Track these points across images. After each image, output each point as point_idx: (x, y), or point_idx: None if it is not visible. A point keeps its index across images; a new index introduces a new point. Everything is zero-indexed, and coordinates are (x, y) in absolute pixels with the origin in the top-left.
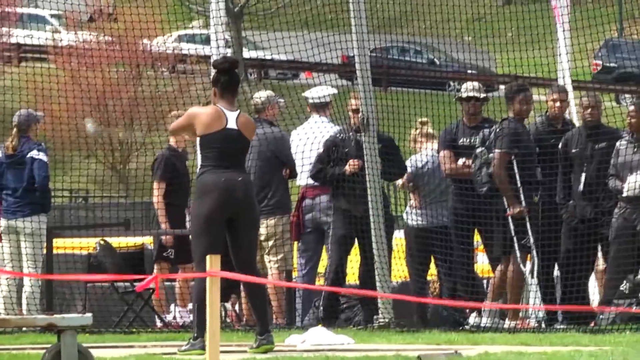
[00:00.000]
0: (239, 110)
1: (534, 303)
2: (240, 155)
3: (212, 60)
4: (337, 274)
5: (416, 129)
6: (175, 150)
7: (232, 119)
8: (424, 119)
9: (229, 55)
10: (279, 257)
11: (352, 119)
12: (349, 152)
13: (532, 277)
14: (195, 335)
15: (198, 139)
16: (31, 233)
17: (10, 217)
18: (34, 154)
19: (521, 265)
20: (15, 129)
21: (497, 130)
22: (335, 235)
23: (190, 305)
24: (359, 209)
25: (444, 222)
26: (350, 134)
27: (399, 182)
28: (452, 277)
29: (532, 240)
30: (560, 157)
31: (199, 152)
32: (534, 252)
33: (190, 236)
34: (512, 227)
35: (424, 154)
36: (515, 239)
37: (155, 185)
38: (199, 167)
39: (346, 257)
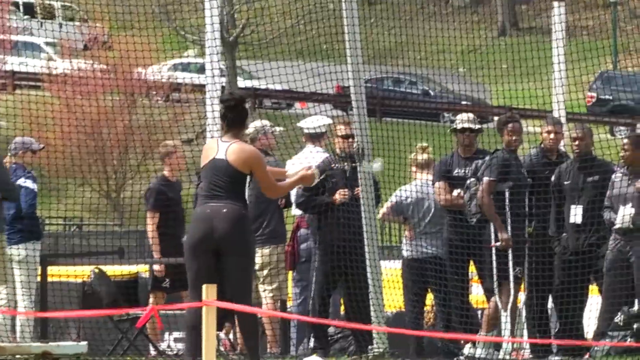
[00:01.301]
0: (232, 142)
1: (506, 336)
2: (228, 185)
3: (220, 95)
4: (323, 306)
5: (414, 153)
6: (168, 180)
7: (222, 150)
8: (424, 145)
9: (236, 91)
10: (274, 286)
11: (337, 145)
12: (337, 181)
13: (505, 310)
14: None
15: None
16: (24, 261)
17: (7, 244)
18: (21, 181)
19: (497, 298)
20: (9, 156)
21: (487, 160)
22: (319, 269)
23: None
24: (344, 239)
25: (436, 252)
26: (338, 163)
27: (379, 213)
28: (447, 307)
29: (511, 272)
30: (553, 190)
31: None
32: (511, 285)
33: None
34: (494, 258)
35: (411, 184)
36: (500, 270)
37: (149, 214)
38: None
39: (331, 289)
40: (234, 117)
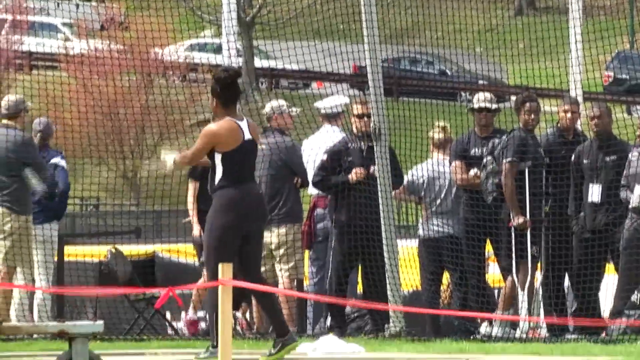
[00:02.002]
0: (245, 119)
1: (522, 315)
2: (254, 164)
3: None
4: (340, 286)
5: (432, 132)
6: None
7: (246, 130)
8: (443, 124)
9: (230, 65)
10: (290, 265)
11: (354, 124)
12: (353, 160)
13: (522, 289)
14: (215, 343)
15: (219, 155)
16: (43, 240)
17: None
18: (57, 161)
19: (514, 277)
20: (39, 136)
21: (504, 140)
22: (336, 248)
23: (200, 312)
24: (361, 219)
25: (452, 232)
26: (354, 142)
27: (395, 194)
28: (463, 286)
29: (529, 251)
30: (572, 169)
31: (219, 166)
32: (529, 264)
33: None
34: (513, 237)
35: (426, 163)
36: (517, 249)
37: (190, 185)
38: (217, 180)
39: (348, 269)
40: (234, 92)
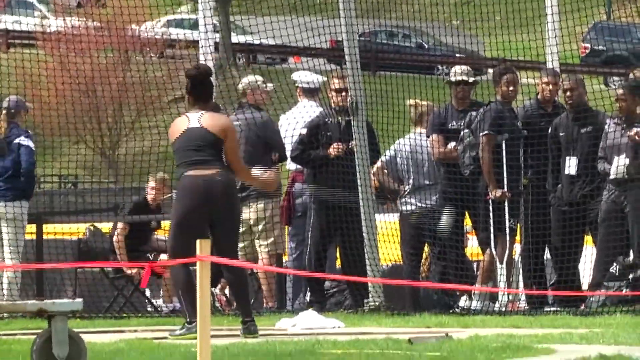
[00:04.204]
0: (202, 112)
1: (504, 287)
2: (208, 149)
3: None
4: (318, 261)
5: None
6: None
7: (194, 120)
8: (412, 101)
9: (202, 63)
10: (269, 241)
11: (332, 99)
12: (332, 134)
13: (500, 262)
14: (189, 320)
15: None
16: (13, 218)
17: None
18: (21, 140)
19: (492, 250)
20: (3, 114)
21: (481, 113)
22: (315, 223)
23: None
24: (339, 194)
25: (432, 205)
26: (333, 117)
27: (373, 172)
28: (442, 260)
29: (507, 223)
30: (549, 142)
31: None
32: (507, 237)
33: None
34: (491, 210)
35: (404, 138)
36: (495, 222)
37: (120, 225)
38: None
39: (327, 244)
40: (201, 91)
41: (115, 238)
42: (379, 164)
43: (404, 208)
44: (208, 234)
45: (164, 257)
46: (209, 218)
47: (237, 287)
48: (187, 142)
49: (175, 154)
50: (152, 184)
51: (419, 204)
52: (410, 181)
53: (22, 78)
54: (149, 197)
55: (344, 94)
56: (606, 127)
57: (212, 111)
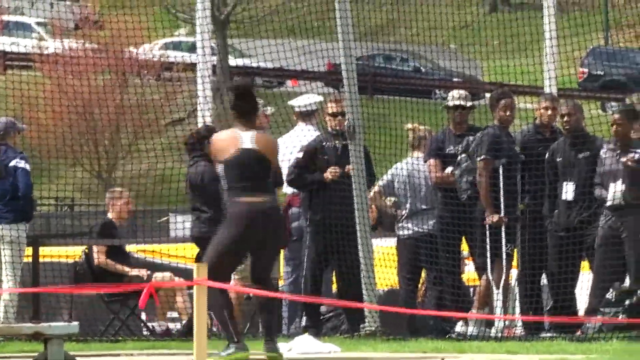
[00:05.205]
0: (254, 130)
1: (500, 313)
2: (263, 174)
3: (231, 84)
4: (315, 285)
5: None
6: (113, 225)
7: (246, 139)
8: (410, 125)
9: (241, 79)
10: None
11: (328, 123)
12: (329, 159)
13: (497, 287)
14: (236, 340)
15: (220, 166)
16: (10, 241)
17: None
18: (17, 162)
19: (489, 275)
20: None
21: (478, 137)
22: (311, 247)
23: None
24: (336, 217)
25: (429, 230)
26: (330, 141)
27: (370, 197)
28: (439, 285)
29: (504, 249)
30: (547, 167)
31: (222, 177)
32: (504, 262)
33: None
34: (487, 235)
35: (402, 163)
36: (491, 247)
37: (97, 248)
38: (224, 191)
39: (323, 268)
40: (247, 105)
41: (97, 262)
42: (376, 188)
43: (401, 233)
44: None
45: (158, 275)
46: (256, 243)
47: (265, 309)
48: (242, 165)
49: (225, 173)
50: (115, 201)
51: (415, 229)
52: (408, 205)
53: (20, 100)
54: (113, 214)
55: (339, 117)
56: (601, 152)
57: (257, 129)
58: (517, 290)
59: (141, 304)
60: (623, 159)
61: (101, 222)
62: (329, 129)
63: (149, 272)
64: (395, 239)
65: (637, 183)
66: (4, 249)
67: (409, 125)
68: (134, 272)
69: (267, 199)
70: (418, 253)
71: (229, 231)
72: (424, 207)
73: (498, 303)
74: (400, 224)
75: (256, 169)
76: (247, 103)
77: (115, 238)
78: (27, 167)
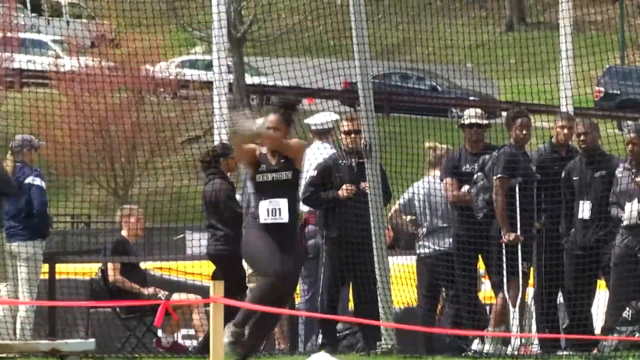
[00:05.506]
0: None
1: (516, 331)
2: None
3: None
4: (331, 302)
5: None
6: (127, 241)
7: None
8: (431, 144)
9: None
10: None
11: (343, 141)
12: (343, 176)
13: (513, 306)
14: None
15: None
16: (27, 258)
17: (8, 241)
18: (31, 180)
19: (505, 293)
20: (9, 154)
21: (494, 156)
22: (327, 265)
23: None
24: (352, 235)
25: (447, 249)
26: (345, 159)
27: (389, 214)
28: (455, 303)
29: (520, 267)
30: (563, 186)
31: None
32: (520, 280)
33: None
34: (504, 254)
35: (422, 181)
36: (508, 265)
37: (110, 265)
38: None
39: (339, 286)
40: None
41: (112, 279)
42: (395, 207)
43: (420, 251)
44: None
45: (175, 296)
46: None
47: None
48: None
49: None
50: (127, 218)
51: (434, 247)
52: (426, 224)
53: (36, 117)
54: (125, 232)
55: (353, 135)
56: (616, 172)
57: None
58: (533, 308)
59: (157, 321)
60: (638, 179)
61: (114, 239)
62: (344, 147)
63: (166, 293)
64: (412, 256)
65: None
66: (20, 265)
67: (429, 144)
68: (150, 291)
69: None
70: (436, 272)
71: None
72: (442, 224)
73: (514, 321)
74: (419, 242)
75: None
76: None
77: (128, 255)
78: (43, 184)
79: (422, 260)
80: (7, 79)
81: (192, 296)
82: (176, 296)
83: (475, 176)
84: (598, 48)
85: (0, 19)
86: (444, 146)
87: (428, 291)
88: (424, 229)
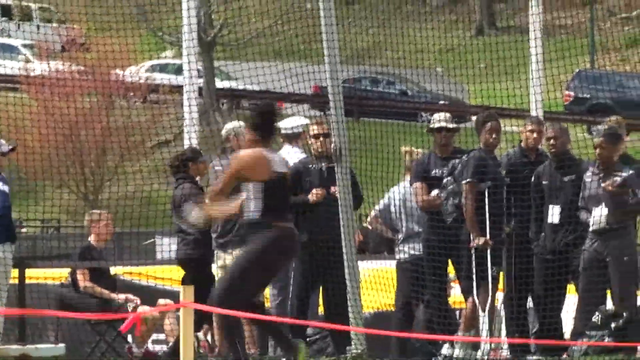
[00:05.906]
0: (277, 153)
1: (486, 336)
2: (289, 200)
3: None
4: (301, 307)
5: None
6: (94, 247)
7: (279, 163)
8: (407, 149)
9: (264, 102)
10: None
11: (312, 145)
12: (313, 180)
13: (483, 310)
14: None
15: (256, 186)
16: None
17: None
18: None
19: (475, 298)
20: None
21: (464, 161)
22: (297, 269)
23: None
24: (322, 239)
25: (421, 254)
26: (315, 163)
27: (368, 221)
28: (427, 308)
29: (490, 271)
30: (532, 190)
31: (257, 199)
32: (490, 285)
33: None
34: (473, 258)
35: (398, 186)
36: (477, 269)
37: (79, 272)
38: (255, 209)
39: (309, 290)
40: (268, 127)
41: (82, 285)
42: (373, 213)
43: (400, 256)
44: None
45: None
46: (283, 269)
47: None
48: (282, 188)
49: (265, 194)
50: (95, 223)
51: (410, 252)
52: (403, 229)
53: (6, 122)
54: (93, 237)
55: (322, 139)
56: (585, 176)
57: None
58: (503, 313)
59: (124, 328)
60: (603, 184)
61: (81, 246)
62: (313, 151)
63: (137, 300)
64: (382, 260)
65: (620, 207)
66: None
67: (405, 148)
68: (121, 297)
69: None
70: (412, 277)
71: (276, 257)
72: (419, 229)
73: (484, 326)
74: (397, 248)
75: (289, 194)
76: (270, 125)
77: (96, 261)
78: (6, 188)
79: (401, 265)
80: None
81: (162, 301)
82: (146, 307)
83: (444, 180)
84: (568, 52)
85: None
86: (420, 150)
87: (405, 296)
88: (401, 234)
